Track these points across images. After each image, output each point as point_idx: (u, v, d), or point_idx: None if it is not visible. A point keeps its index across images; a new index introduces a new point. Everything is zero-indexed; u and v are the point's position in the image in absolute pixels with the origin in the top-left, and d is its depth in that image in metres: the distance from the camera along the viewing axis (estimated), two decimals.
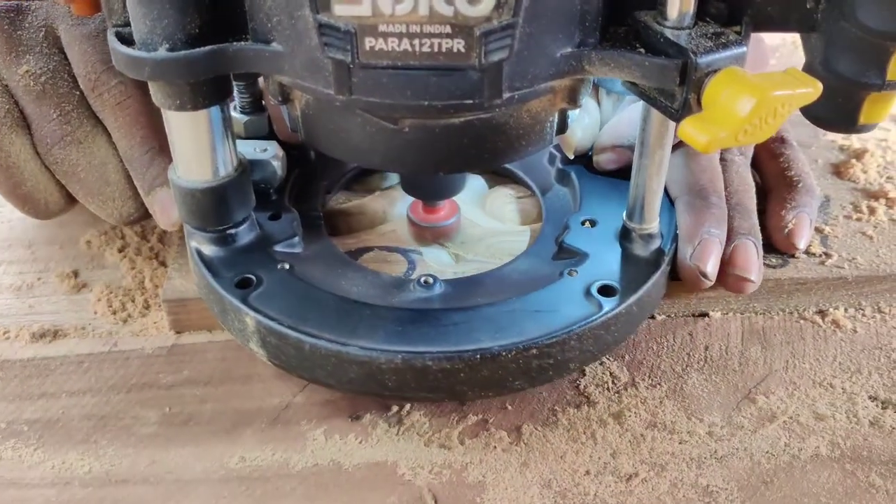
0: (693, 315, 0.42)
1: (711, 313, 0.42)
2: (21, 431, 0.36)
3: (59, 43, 0.41)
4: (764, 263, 0.42)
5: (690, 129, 0.26)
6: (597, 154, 0.44)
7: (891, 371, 0.38)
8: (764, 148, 0.47)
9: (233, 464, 0.34)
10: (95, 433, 0.36)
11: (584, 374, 0.38)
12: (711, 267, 0.38)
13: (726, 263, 0.39)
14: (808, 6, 0.30)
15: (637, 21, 0.30)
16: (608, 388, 0.38)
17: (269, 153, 0.42)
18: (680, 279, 0.39)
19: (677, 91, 0.29)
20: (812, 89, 0.27)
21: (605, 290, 0.36)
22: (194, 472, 0.34)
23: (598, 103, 0.46)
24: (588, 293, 0.36)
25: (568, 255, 0.39)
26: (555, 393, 0.37)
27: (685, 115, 0.28)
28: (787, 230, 0.42)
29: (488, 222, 0.45)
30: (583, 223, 0.40)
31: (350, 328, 0.34)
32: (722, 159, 0.44)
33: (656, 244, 0.38)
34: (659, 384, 0.38)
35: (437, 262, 0.42)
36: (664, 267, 0.38)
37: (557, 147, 0.46)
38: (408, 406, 0.37)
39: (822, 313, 0.42)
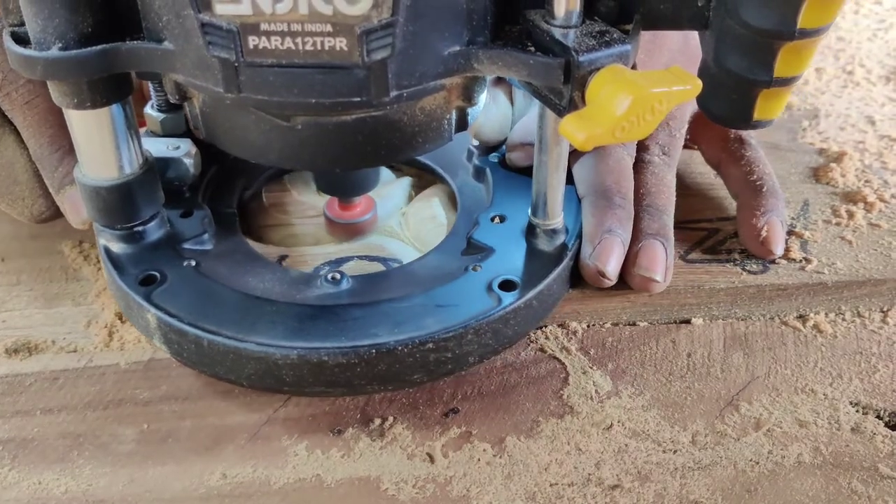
0: (675, 322, 0.42)
1: (694, 320, 0.42)
2: None
3: None
4: (744, 269, 0.42)
5: (570, 125, 0.27)
6: (508, 151, 0.45)
7: (871, 376, 0.39)
8: (724, 150, 0.47)
9: (213, 481, 0.34)
10: (72, 452, 0.35)
11: (568, 384, 0.38)
12: (611, 267, 0.39)
13: (631, 263, 0.40)
14: (699, 4, 0.30)
15: (527, 20, 0.30)
16: (591, 398, 0.38)
17: (181, 151, 0.42)
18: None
19: (563, 89, 0.29)
20: (691, 87, 0.27)
21: (506, 285, 0.37)
22: (174, 491, 0.34)
23: (512, 102, 0.46)
24: (489, 288, 0.37)
25: (475, 251, 0.39)
26: (538, 403, 0.37)
27: (571, 112, 0.28)
28: (761, 238, 0.42)
29: None
30: (492, 219, 0.41)
31: (249, 324, 0.35)
32: (640, 160, 0.44)
33: (561, 239, 0.39)
34: (642, 393, 0.38)
35: None
36: (566, 262, 0.39)
37: (476, 145, 0.46)
38: (390, 419, 0.36)
39: (802, 318, 0.42)
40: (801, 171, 0.51)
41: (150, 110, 0.43)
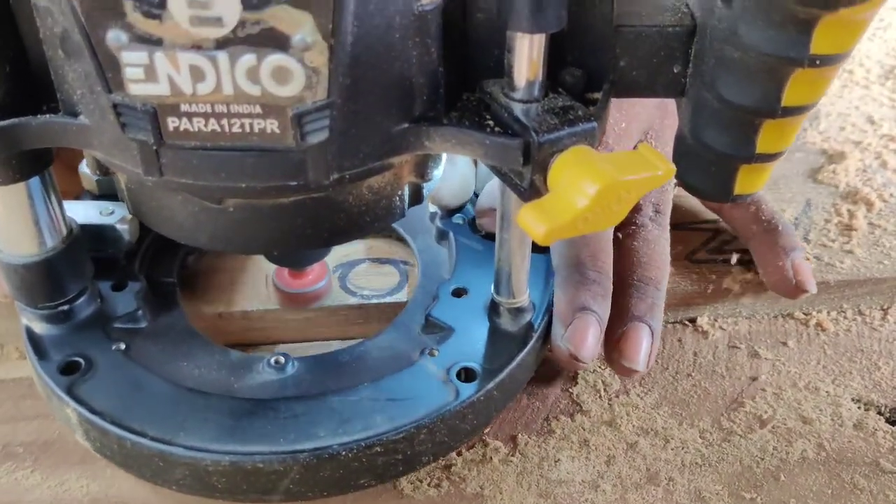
0: (681, 321, 0.43)
1: (699, 319, 0.42)
2: (16, 454, 0.36)
3: None
4: (749, 269, 0.43)
5: (528, 217, 0.23)
6: (478, 217, 0.42)
7: (872, 373, 0.40)
8: None
9: None
10: (93, 454, 0.36)
11: (577, 383, 0.39)
12: (587, 351, 0.35)
13: (612, 347, 0.36)
14: (675, 70, 0.28)
15: (484, 91, 0.27)
16: (600, 396, 0.38)
17: (115, 216, 0.38)
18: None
19: (524, 171, 0.26)
20: (662, 172, 0.24)
21: (466, 374, 0.34)
22: None
23: (476, 163, 0.43)
24: (447, 377, 0.34)
25: (434, 330, 0.36)
26: (548, 402, 0.38)
27: (533, 196, 0.25)
28: (794, 281, 0.40)
29: None
30: (453, 293, 0.38)
31: (178, 423, 0.32)
32: (631, 222, 0.40)
33: (527, 318, 0.36)
34: (650, 391, 0.39)
35: None
36: (533, 343, 0.35)
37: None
38: None
39: (805, 317, 0.43)
40: (802, 171, 0.52)
41: (85, 169, 0.39)
